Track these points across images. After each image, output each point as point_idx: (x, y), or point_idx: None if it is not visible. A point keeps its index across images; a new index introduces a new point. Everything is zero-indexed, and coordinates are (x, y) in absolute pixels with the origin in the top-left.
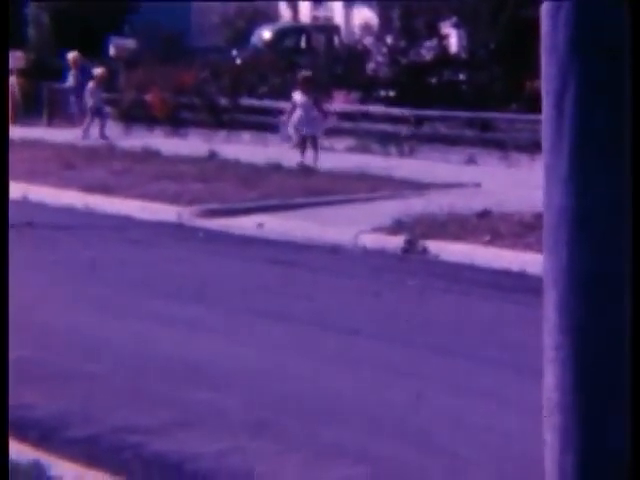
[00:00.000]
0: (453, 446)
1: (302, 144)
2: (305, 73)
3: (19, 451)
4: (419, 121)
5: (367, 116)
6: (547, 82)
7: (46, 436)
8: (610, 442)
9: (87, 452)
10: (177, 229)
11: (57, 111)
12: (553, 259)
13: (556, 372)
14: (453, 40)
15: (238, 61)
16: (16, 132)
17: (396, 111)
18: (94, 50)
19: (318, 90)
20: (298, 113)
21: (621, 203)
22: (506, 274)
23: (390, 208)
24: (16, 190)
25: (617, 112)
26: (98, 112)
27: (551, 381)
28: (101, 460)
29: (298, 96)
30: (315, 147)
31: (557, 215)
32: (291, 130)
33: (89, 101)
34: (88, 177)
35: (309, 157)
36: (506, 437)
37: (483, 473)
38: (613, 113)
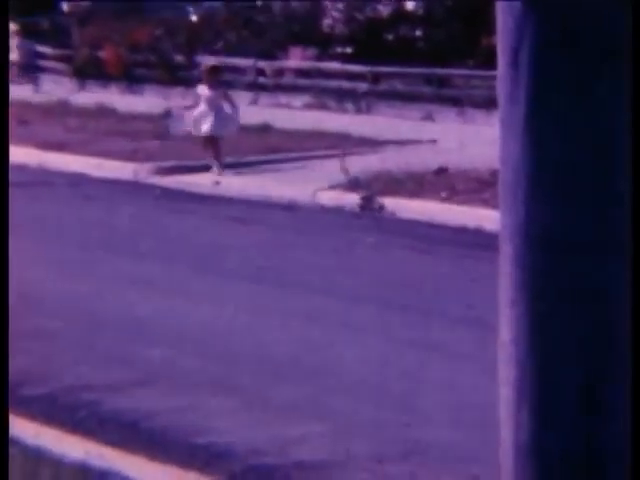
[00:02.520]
0: (410, 401)
1: (207, 144)
2: (211, 63)
3: None
4: (376, 78)
5: (323, 73)
6: (502, 38)
7: None
8: (565, 395)
9: (44, 410)
10: (133, 186)
11: (10, 67)
12: (509, 214)
13: (511, 327)
14: None
15: (193, 18)
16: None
17: (353, 68)
18: (47, 6)
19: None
20: (201, 108)
21: (576, 157)
22: (463, 230)
23: (347, 165)
24: None
25: (573, 67)
26: (29, 68)
27: (506, 335)
28: (58, 418)
29: (204, 90)
30: (217, 150)
31: (513, 170)
32: (191, 126)
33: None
34: (42, 134)
35: (211, 161)
36: (462, 391)
37: (440, 427)
38: (569, 68)
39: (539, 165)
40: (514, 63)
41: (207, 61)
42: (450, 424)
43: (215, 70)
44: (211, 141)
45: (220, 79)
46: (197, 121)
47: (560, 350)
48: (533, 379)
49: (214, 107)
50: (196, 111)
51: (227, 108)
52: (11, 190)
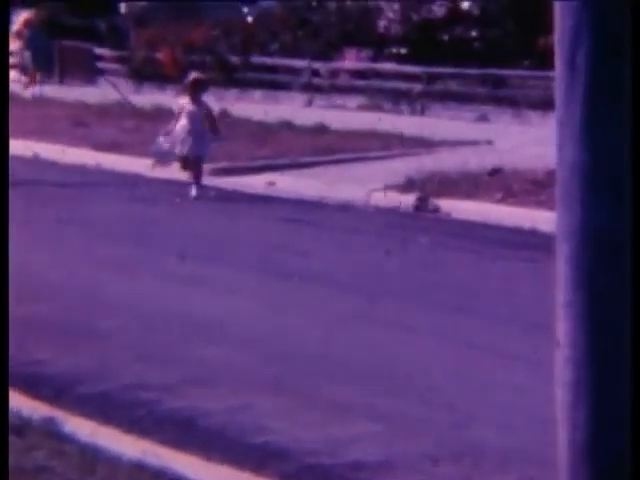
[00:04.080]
0: (464, 402)
1: (186, 165)
2: (195, 75)
3: (33, 407)
4: (431, 78)
5: (378, 74)
6: (560, 37)
7: (60, 392)
8: (620, 397)
9: (101, 409)
10: (188, 187)
11: (69, 69)
12: (566, 215)
13: (568, 328)
14: None
15: (249, 18)
16: (28, 90)
17: (408, 69)
18: (105, 8)
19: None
20: (182, 123)
21: (631, 158)
22: (518, 232)
23: (402, 166)
24: (27, 148)
25: (630, 67)
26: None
27: (563, 337)
28: (114, 417)
29: (186, 103)
30: (198, 171)
31: (570, 170)
32: (167, 144)
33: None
34: (99, 135)
35: (195, 181)
36: (517, 393)
37: (494, 428)
38: (626, 68)
39: (596, 165)
40: (571, 64)
41: (192, 74)
42: (504, 425)
43: (198, 83)
44: (192, 162)
45: (203, 93)
46: (177, 138)
47: (617, 350)
48: (589, 380)
49: (194, 125)
50: (177, 126)
51: (205, 128)
52: (69, 190)
